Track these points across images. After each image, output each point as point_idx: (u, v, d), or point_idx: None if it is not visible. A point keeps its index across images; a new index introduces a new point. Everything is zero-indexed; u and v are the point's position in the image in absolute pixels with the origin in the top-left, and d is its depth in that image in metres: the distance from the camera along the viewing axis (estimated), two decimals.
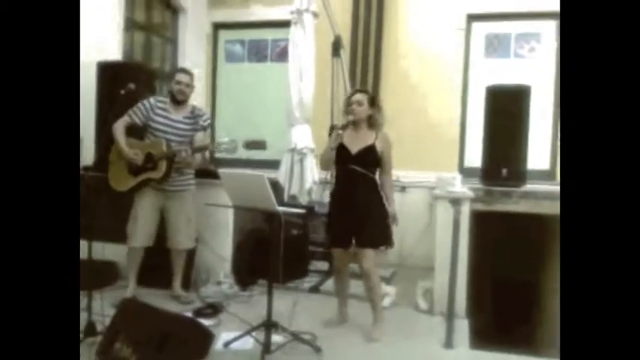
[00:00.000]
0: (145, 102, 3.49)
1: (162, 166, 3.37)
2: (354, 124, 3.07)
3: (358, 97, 3.10)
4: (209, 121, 3.70)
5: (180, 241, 3.63)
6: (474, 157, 5.11)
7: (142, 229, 3.49)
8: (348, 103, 3.11)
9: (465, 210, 3.48)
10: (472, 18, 5.63)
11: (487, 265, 3.56)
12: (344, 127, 3.01)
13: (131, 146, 3.43)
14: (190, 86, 3.56)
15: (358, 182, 3.04)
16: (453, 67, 5.61)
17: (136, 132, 3.54)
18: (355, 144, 3.06)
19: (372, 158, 3.04)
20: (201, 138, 3.56)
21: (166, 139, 3.42)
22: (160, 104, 3.50)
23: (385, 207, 3.07)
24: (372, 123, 3.11)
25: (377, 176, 3.11)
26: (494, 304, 3.34)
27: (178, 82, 3.51)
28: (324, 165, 3.18)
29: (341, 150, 3.04)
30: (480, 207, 3.83)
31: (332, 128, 3.50)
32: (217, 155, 3.46)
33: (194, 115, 3.57)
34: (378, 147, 3.05)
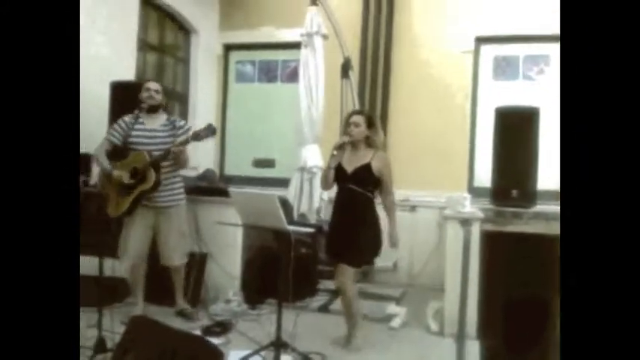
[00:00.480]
0: (120, 121, 3.48)
1: (151, 175, 3.31)
2: (353, 144, 3.13)
3: (355, 118, 3.15)
4: (187, 125, 3.62)
5: (174, 258, 3.58)
6: (484, 177, 5.12)
7: (132, 247, 3.44)
8: (347, 124, 3.17)
9: (475, 230, 3.47)
10: (481, 40, 5.69)
11: (498, 286, 3.53)
12: (339, 148, 3.10)
13: (118, 168, 3.38)
14: (159, 92, 3.52)
15: (352, 201, 3.09)
16: (461, 88, 5.66)
17: (120, 154, 3.49)
18: (352, 163, 3.12)
19: (367, 177, 3.08)
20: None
21: (148, 150, 3.37)
22: (133, 120, 3.45)
23: (377, 227, 3.10)
24: (370, 143, 3.16)
25: (377, 197, 3.15)
26: (506, 326, 3.30)
27: (147, 89, 3.48)
28: (323, 184, 3.27)
29: (339, 170, 3.12)
30: (490, 227, 3.81)
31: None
32: (200, 141, 3.34)
33: (171, 122, 3.54)
34: (374, 166, 3.08)
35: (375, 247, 3.10)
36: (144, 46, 5.56)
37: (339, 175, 3.12)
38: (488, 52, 5.74)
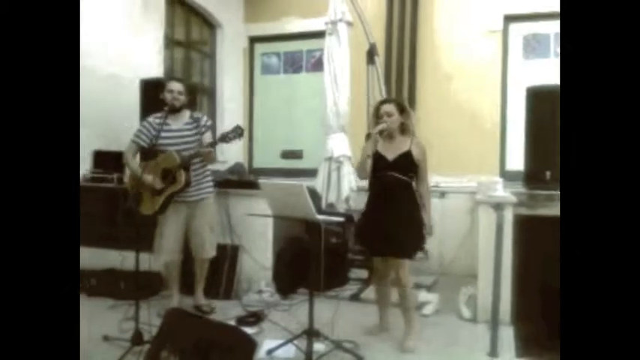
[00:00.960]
0: (145, 123, 3.53)
1: (181, 176, 3.37)
2: (388, 133, 3.06)
3: (387, 108, 3.07)
4: (210, 121, 3.69)
5: (205, 250, 3.65)
6: (516, 161, 5.00)
7: (166, 244, 3.52)
8: (378, 115, 3.08)
9: (508, 215, 3.40)
10: (509, 19, 5.54)
11: (532, 271, 3.45)
12: (381, 132, 3.00)
13: (148, 169, 3.42)
14: (182, 93, 3.54)
15: (395, 189, 3.03)
16: (491, 69, 5.53)
17: (148, 153, 3.56)
18: (391, 151, 3.05)
19: (409, 165, 3.03)
20: (207, 139, 3.52)
21: (176, 150, 3.43)
22: (157, 120, 3.48)
23: (421, 215, 3.05)
24: (404, 129, 3.11)
25: (413, 184, 3.09)
26: (540, 311, 3.23)
27: (170, 91, 3.49)
28: (361, 173, 3.13)
29: (377, 158, 3.03)
30: (524, 211, 3.72)
31: (368, 136, 3.50)
32: (228, 143, 3.40)
33: (194, 119, 3.58)
34: (414, 153, 3.04)
35: (422, 234, 3.05)
36: (171, 42, 5.65)
37: (378, 163, 3.03)
38: (518, 30, 5.58)
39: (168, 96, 3.49)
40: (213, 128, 3.96)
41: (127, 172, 3.67)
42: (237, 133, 3.35)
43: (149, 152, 3.51)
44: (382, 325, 3.30)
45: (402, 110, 3.10)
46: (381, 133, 3.01)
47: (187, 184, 3.41)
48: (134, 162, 3.51)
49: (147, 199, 3.46)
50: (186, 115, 3.60)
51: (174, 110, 3.50)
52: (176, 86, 3.53)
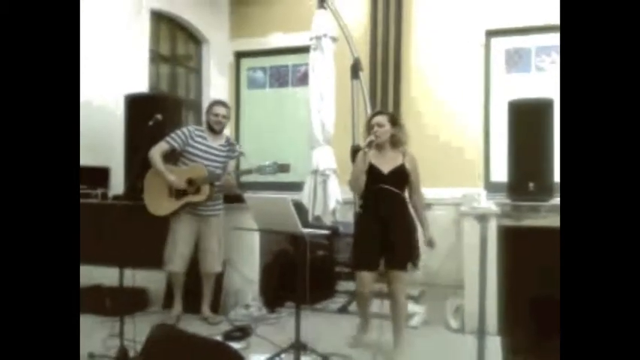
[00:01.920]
0: (184, 129, 3.66)
1: (206, 190, 3.51)
2: (378, 145, 3.07)
3: (379, 119, 3.10)
4: (242, 150, 3.93)
5: (214, 265, 3.74)
6: (500, 172, 5.07)
7: (180, 253, 3.61)
8: (369, 127, 3.11)
9: (492, 226, 3.44)
10: (491, 34, 5.64)
11: (517, 281, 3.49)
12: (369, 145, 3.00)
13: (171, 172, 3.55)
14: (227, 117, 3.74)
15: (390, 202, 3.03)
16: (473, 83, 5.61)
17: (168, 159, 3.67)
18: (385, 164, 3.06)
19: (403, 178, 3.07)
20: (232, 165, 3.71)
21: (204, 164, 3.55)
22: (197, 132, 3.66)
23: (415, 227, 3.07)
24: (395, 142, 3.12)
25: (406, 196, 3.11)
26: (526, 321, 3.26)
27: (216, 115, 3.67)
28: (355, 187, 3.12)
29: (371, 170, 3.04)
30: (508, 222, 3.77)
31: (354, 150, 3.53)
32: (262, 175, 3.54)
33: (229, 143, 3.76)
34: (408, 167, 3.07)
35: (416, 247, 3.06)
36: (156, 57, 5.66)
37: (372, 176, 3.03)
38: (500, 44, 5.68)
39: (212, 118, 3.67)
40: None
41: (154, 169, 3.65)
42: (273, 169, 3.45)
43: (171, 157, 3.64)
44: (359, 339, 3.28)
45: (393, 122, 3.13)
46: (370, 145, 3.01)
47: (209, 198, 3.55)
48: (161, 161, 3.57)
49: (163, 200, 3.57)
50: (223, 137, 3.77)
51: (215, 131, 3.67)
52: (222, 110, 3.71)
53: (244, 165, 3.88)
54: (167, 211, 3.57)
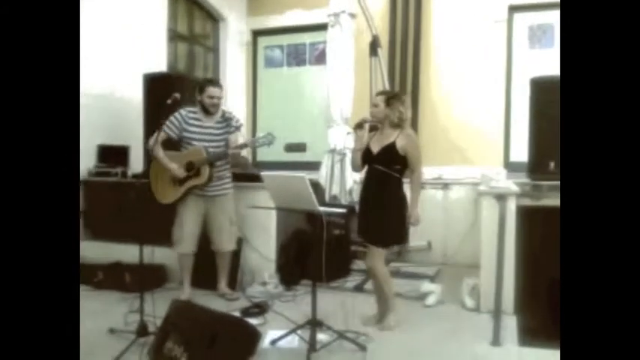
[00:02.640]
0: (177, 115, 3.57)
1: (205, 171, 3.50)
2: (376, 126, 3.14)
3: (376, 99, 3.17)
4: (240, 122, 3.80)
5: (225, 243, 3.76)
6: (521, 151, 4.98)
7: (188, 235, 3.64)
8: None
9: (511, 206, 3.40)
10: (514, 9, 5.50)
11: (535, 261, 3.45)
12: (356, 128, 3.14)
13: (171, 159, 3.56)
14: (221, 98, 3.66)
15: (379, 181, 3.08)
16: (495, 60, 5.50)
17: (171, 144, 3.66)
18: (376, 144, 3.11)
19: (392, 157, 3.05)
20: (235, 139, 3.66)
21: (203, 146, 3.54)
22: (191, 114, 3.59)
23: (403, 207, 3.07)
24: (393, 122, 3.10)
25: (404, 175, 3.11)
26: (543, 301, 3.24)
27: (211, 97, 3.58)
28: (353, 166, 3.28)
29: (366, 151, 3.13)
30: (528, 202, 3.71)
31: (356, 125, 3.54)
32: (257, 148, 3.54)
33: (225, 118, 3.68)
34: (399, 145, 3.04)
35: (401, 227, 3.08)
36: (174, 36, 5.66)
37: (366, 156, 3.13)
38: (522, 20, 5.53)
39: (207, 101, 3.59)
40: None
41: (156, 159, 3.68)
42: (268, 139, 3.45)
43: (173, 143, 3.62)
44: (379, 315, 3.28)
45: (388, 103, 3.10)
46: (359, 126, 3.11)
47: (210, 179, 3.53)
48: (161, 150, 3.58)
49: (167, 189, 3.60)
50: (218, 113, 3.69)
51: (210, 113, 3.61)
52: (217, 92, 3.62)
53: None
54: (172, 198, 3.59)
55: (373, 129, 3.15)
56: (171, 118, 3.57)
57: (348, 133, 3.13)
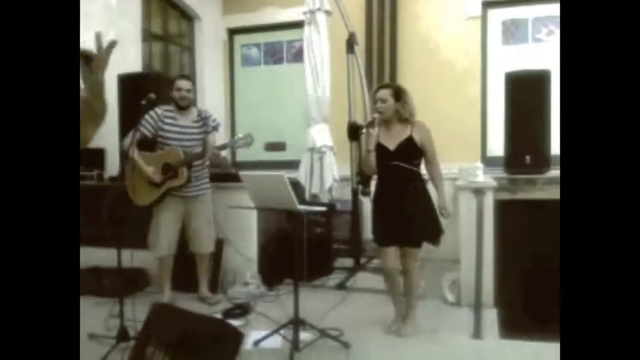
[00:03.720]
0: (152, 113, 3.52)
1: (184, 173, 3.45)
2: (385, 121, 2.99)
3: (381, 93, 3.00)
4: (217, 121, 3.76)
5: (204, 245, 3.71)
6: (497, 146, 5.05)
7: (163, 238, 3.57)
8: (374, 101, 3.02)
9: (489, 200, 3.45)
10: (487, 5, 5.56)
11: (514, 254, 3.51)
12: (369, 126, 2.93)
13: (147, 160, 3.49)
14: (191, 91, 3.61)
15: (402, 179, 2.95)
16: (470, 55, 5.55)
17: (147, 144, 3.59)
18: (392, 140, 2.97)
19: (412, 151, 2.95)
20: (213, 138, 3.63)
21: (180, 145, 3.49)
22: (167, 113, 3.55)
23: (432, 201, 2.98)
24: (401, 116, 3.00)
25: (422, 169, 3.02)
26: (523, 293, 3.30)
27: (179, 89, 3.54)
28: (367, 169, 3.04)
29: (379, 149, 2.95)
30: (505, 196, 3.77)
31: (351, 127, 3.46)
32: (236, 149, 3.50)
33: (201, 117, 3.64)
34: (417, 138, 2.95)
35: (436, 222, 2.97)
36: (148, 36, 5.57)
37: (381, 154, 2.96)
38: (496, 16, 5.60)
39: (176, 94, 3.55)
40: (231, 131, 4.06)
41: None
42: (247, 141, 3.42)
43: (148, 143, 3.55)
44: (399, 316, 3.18)
45: (397, 97, 2.99)
46: (371, 124, 2.93)
47: (188, 181, 3.48)
48: (136, 150, 3.51)
49: (143, 190, 3.51)
50: (194, 112, 3.65)
51: (183, 107, 3.55)
52: (184, 84, 3.58)
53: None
54: (149, 200, 3.51)
55: (370, 125, 2.95)
56: (147, 116, 3.51)
57: (369, 134, 2.94)
